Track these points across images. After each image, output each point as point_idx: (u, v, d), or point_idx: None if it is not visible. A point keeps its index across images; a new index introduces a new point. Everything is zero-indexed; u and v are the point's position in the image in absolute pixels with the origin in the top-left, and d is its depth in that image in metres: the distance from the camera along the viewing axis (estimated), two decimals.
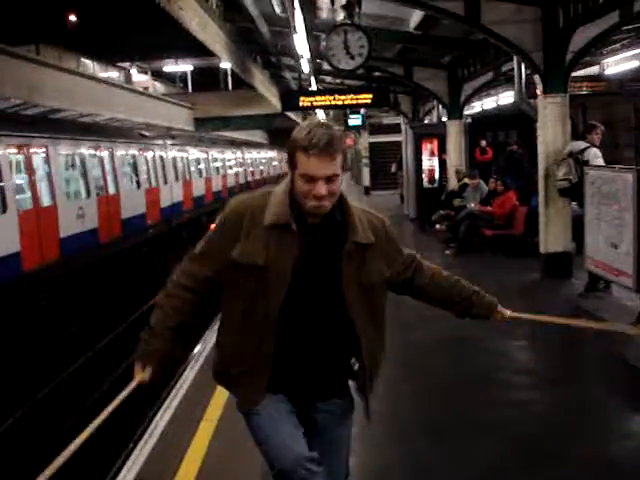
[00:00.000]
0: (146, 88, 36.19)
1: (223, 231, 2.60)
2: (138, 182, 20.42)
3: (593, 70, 15.61)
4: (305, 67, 17.77)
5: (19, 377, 10.11)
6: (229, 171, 35.56)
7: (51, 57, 26.31)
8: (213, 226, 2.71)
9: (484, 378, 6.01)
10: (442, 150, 17.06)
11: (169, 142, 24.94)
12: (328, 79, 22.83)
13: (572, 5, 8.66)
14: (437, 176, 17.72)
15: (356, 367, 2.73)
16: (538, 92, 9.54)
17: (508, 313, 3.21)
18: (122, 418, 7.59)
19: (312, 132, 2.44)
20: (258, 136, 51.79)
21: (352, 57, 10.66)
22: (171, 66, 45.54)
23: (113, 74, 38.59)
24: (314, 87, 20.68)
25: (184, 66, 45.11)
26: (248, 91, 29.75)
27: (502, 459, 4.47)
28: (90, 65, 36.13)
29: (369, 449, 4.69)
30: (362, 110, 26.08)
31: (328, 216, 2.54)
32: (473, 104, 19.37)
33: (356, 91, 16.26)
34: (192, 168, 27.51)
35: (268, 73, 29.24)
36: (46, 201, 13.81)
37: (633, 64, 15.70)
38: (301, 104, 15.88)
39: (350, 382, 2.79)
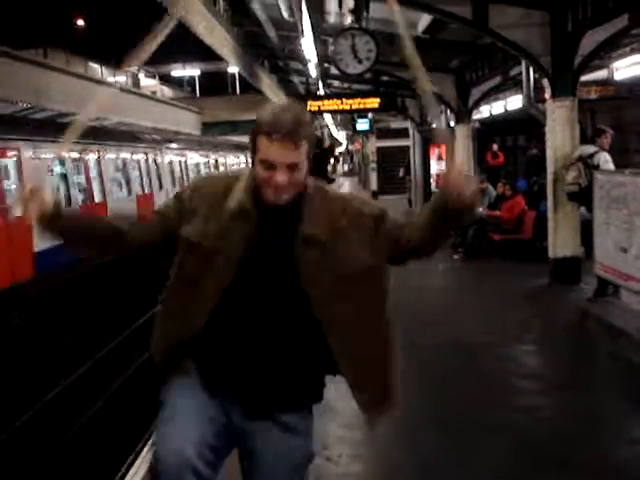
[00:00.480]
0: (154, 92, 36.26)
1: (180, 203, 2.40)
2: (129, 188, 19.50)
3: (602, 74, 15.52)
4: (313, 71, 17.81)
5: None
6: None
7: (59, 61, 26.47)
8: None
9: (492, 382, 5.97)
10: None
11: (166, 146, 24.18)
12: (336, 83, 22.84)
13: (581, 9, 8.63)
14: None
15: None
16: (546, 96, 9.50)
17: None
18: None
19: (277, 116, 2.23)
20: None
21: (360, 61, 10.64)
22: (179, 70, 45.66)
23: (121, 78, 38.72)
24: (322, 91, 20.71)
25: (192, 70, 45.25)
26: (256, 95, 29.81)
27: (510, 463, 4.43)
28: (98, 69, 36.26)
29: (376, 451, 4.67)
30: (370, 114, 26.06)
31: (286, 203, 2.31)
32: (481, 108, 19.30)
33: (364, 95, 16.29)
34: (191, 173, 26.82)
35: (276, 77, 29.29)
36: (16, 212, 12.72)
37: None
38: (308, 108, 15.88)
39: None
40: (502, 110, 19.43)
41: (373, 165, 32.18)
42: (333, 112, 21.28)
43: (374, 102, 15.51)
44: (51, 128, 15.48)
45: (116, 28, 36.88)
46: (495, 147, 18.83)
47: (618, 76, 15.63)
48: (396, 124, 30.62)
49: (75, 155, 15.75)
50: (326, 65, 17.49)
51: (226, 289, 2.29)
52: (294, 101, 2.49)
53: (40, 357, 10.50)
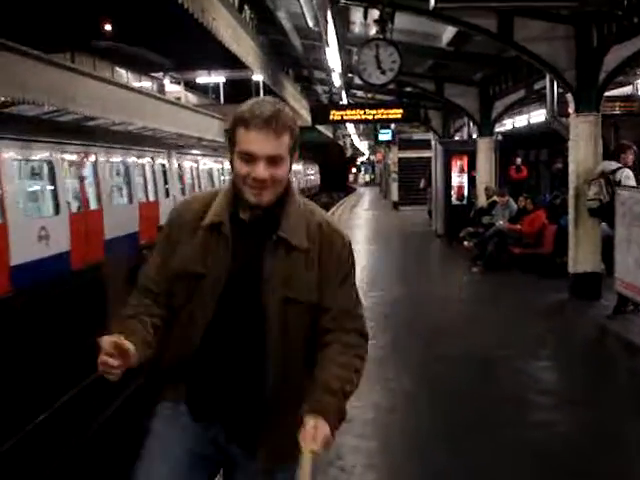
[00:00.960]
0: (178, 98, 36.51)
1: (167, 238, 2.28)
2: (130, 195, 17.99)
3: (626, 90, 15.44)
4: (336, 81, 17.83)
5: None
6: None
7: (86, 65, 26.72)
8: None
9: (508, 397, 5.94)
10: (472, 167, 17.01)
11: (176, 150, 22.79)
12: (359, 93, 22.88)
13: (606, 24, 8.60)
14: (466, 193, 17.64)
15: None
16: (570, 111, 9.46)
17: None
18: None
19: (255, 104, 2.11)
20: None
21: (383, 72, 10.65)
22: (204, 77, 45.91)
23: (146, 84, 39.03)
24: (345, 101, 20.74)
25: (216, 77, 45.47)
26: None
27: (524, 479, 4.41)
28: (124, 74, 36.58)
29: (390, 462, 4.67)
30: (392, 125, 26.07)
31: (264, 212, 2.16)
32: (504, 121, 19.26)
33: (387, 106, 16.30)
34: (203, 179, 25.58)
35: (299, 86, 29.37)
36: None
37: None
38: (331, 118, 15.96)
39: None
40: (525, 123, 19.40)
41: (394, 176, 32.17)
42: (356, 122, 21.29)
43: (397, 113, 15.52)
44: (41, 126, 14.80)
45: (143, 33, 37.19)
46: (518, 161, 18.78)
47: None
48: (418, 135, 30.62)
49: (66, 156, 14.64)
50: (350, 75, 17.53)
51: (212, 312, 2.16)
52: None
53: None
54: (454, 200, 17.73)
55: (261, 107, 2.08)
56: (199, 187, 24.55)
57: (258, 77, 32.84)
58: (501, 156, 16.49)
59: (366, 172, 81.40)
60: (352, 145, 60.82)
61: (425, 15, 9.59)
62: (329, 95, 25.73)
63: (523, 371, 6.62)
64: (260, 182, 2.07)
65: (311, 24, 14.88)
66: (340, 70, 15.42)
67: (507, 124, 20.47)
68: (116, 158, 17.26)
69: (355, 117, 16.15)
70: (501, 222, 13.08)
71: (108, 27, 40.67)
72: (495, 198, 14.19)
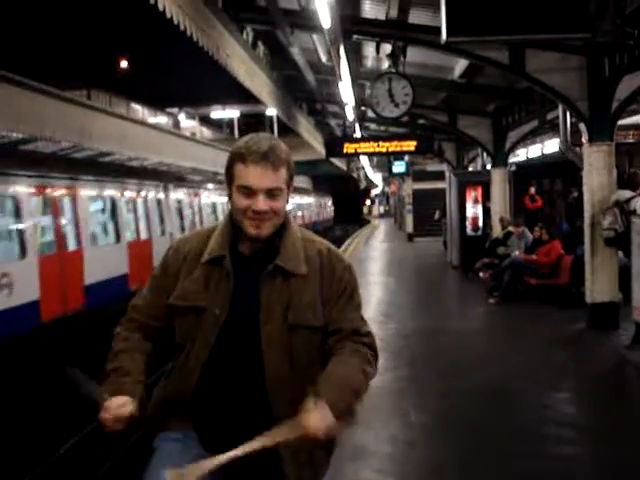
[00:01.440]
0: (193, 133, 36.87)
1: (164, 272, 2.32)
2: (118, 233, 16.31)
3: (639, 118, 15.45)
4: (350, 114, 17.98)
5: None
6: None
7: (102, 101, 27.07)
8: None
9: (526, 429, 5.87)
10: (486, 198, 17.01)
11: (174, 183, 21.18)
12: (372, 126, 23.05)
13: (618, 54, 8.65)
14: (481, 224, 17.62)
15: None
16: (584, 140, 9.48)
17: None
18: None
19: (251, 140, 2.16)
20: (303, 182, 52.25)
21: (396, 105, 10.75)
22: (218, 112, 46.38)
23: (162, 119, 39.47)
24: (358, 134, 20.87)
25: (231, 112, 45.92)
26: (293, 137, 30.15)
27: None
28: (140, 110, 37.02)
29: None
30: (406, 157, 26.16)
31: (265, 244, 2.22)
32: (518, 151, 19.30)
33: (400, 138, 16.35)
34: (205, 214, 23.95)
35: (313, 120, 29.60)
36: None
37: None
38: (345, 151, 16.02)
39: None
40: (539, 153, 19.43)
41: (409, 207, 32.21)
42: (369, 154, 21.40)
43: (410, 145, 15.57)
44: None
45: (158, 70, 37.74)
46: (532, 190, 18.77)
47: None
48: (432, 166, 30.70)
49: (40, 191, 13.18)
50: (363, 108, 17.67)
51: (214, 345, 2.19)
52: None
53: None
54: (469, 231, 17.70)
55: (258, 143, 2.14)
56: (201, 223, 23.01)
57: (272, 111, 33.17)
58: (515, 186, 16.50)
59: (380, 204, 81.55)
60: (366, 177, 61.00)
61: (437, 49, 9.68)
62: (343, 128, 25.83)
63: (542, 403, 6.56)
64: (260, 215, 2.12)
65: (324, 59, 15.06)
66: (353, 104, 15.57)
67: (521, 154, 20.51)
68: (101, 192, 15.78)
69: (369, 150, 16.22)
70: (517, 253, 13.03)
71: (124, 63, 41.34)
72: (510, 228, 14.17)
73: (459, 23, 7.04)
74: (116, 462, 7.53)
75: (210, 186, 25.62)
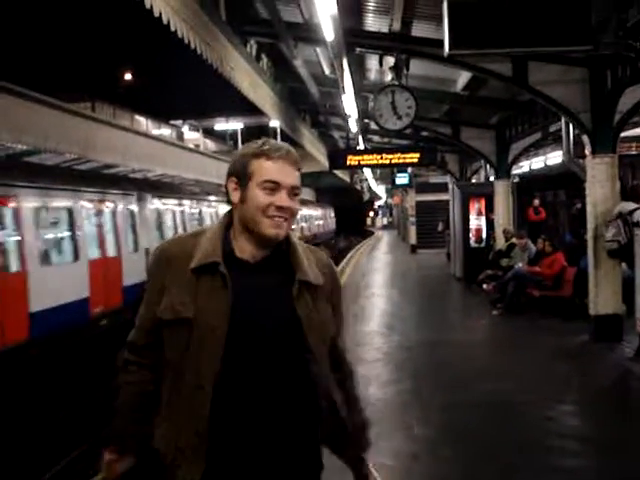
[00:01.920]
0: (197, 145, 36.98)
1: (150, 285, 2.14)
2: (76, 250, 13.91)
3: None
4: (353, 126, 18.02)
5: None
6: None
7: (106, 113, 27.16)
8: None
9: (530, 442, 5.85)
10: (489, 209, 17.02)
11: (150, 192, 18.56)
12: (375, 138, 23.09)
13: (620, 66, 8.68)
14: (484, 235, 17.62)
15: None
16: (586, 152, 9.49)
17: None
18: None
19: (267, 142, 2.10)
20: (307, 194, 52.27)
21: (399, 117, 10.78)
22: (222, 124, 46.54)
23: (166, 131, 39.60)
24: (361, 146, 20.91)
25: (234, 124, 46.07)
26: (296, 149, 30.09)
27: None
28: (144, 122, 37.17)
29: None
30: (409, 169, 26.21)
31: (272, 252, 2.10)
32: (521, 163, 19.32)
33: (403, 150, 16.38)
34: (190, 228, 20.64)
35: (316, 132, 29.68)
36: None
37: None
38: (348, 163, 16.04)
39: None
40: (542, 165, 19.43)
41: (412, 219, 32.23)
42: (373, 166, 21.42)
43: (414, 157, 15.58)
44: None
45: (162, 82, 37.91)
46: (537, 202, 18.79)
47: None
48: (435, 178, 30.76)
49: None
50: (366, 120, 17.70)
51: (223, 364, 1.99)
52: None
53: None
54: (472, 243, 17.71)
55: (275, 144, 2.10)
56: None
57: (275, 123, 33.27)
58: (519, 198, 16.51)
59: (384, 215, 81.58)
60: (369, 189, 61.06)
61: (440, 61, 9.72)
62: (346, 140, 25.94)
63: (545, 416, 6.54)
64: (283, 211, 2.04)
65: (327, 72, 15.11)
66: (356, 116, 15.60)
67: (524, 166, 20.52)
68: (52, 202, 13.45)
69: (372, 162, 16.22)
70: (520, 264, 13.03)
71: (128, 76, 41.56)
72: (513, 240, 14.17)
73: (462, 36, 7.06)
74: None
75: (197, 195, 23.74)
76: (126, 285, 15.11)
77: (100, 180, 16.89)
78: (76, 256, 13.85)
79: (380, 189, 58.82)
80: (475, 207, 17.77)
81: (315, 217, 56.60)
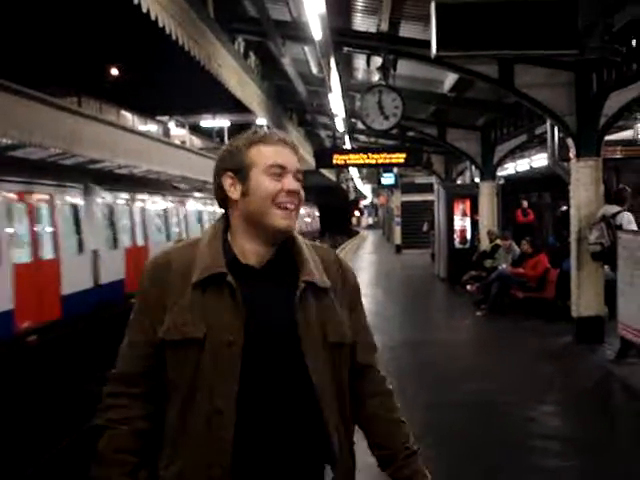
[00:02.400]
0: (183, 142, 36.86)
1: (143, 305, 1.91)
2: None
3: (627, 134, 15.59)
4: (340, 126, 18.03)
5: None
6: None
7: (92, 108, 26.99)
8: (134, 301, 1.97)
9: (512, 442, 5.90)
10: (474, 211, 17.10)
11: (104, 184, 16.69)
12: (362, 138, 23.11)
13: (606, 70, 8.74)
14: (469, 236, 17.70)
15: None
16: (571, 155, 9.56)
17: None
18: None
19: (258, 130, 1.97)
20: None
21: (386, 117, 10.80)
22: (209, 121, 46.41)
23: (152, 127, 39.42)
24: (348, 145, 20.93)
25: (221, 121, 45.95)
26: None
27: None
28: (130, 117, 36.99)
29: None
30: (395, 169, 26.27)
31: (276, 255, 1.93)
32: (506, 165, 19.42)
33: (389, 150, 16.41)
34: (152, 228, 19.56)
35: (303, 130, 29.67)
36: None
37: None
38: (335, 162, 16.05)
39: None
40: (527, 167, 19.55)
41: (397, 219, 32.31)
42: (359, 166, 21.44)
43: (400, 157, 15.62)
44: None
45: (149, 78, 37.76)
46: (525, 204, 18.89)
47: None
48: (421, 179, 30.85)
49: None
50: (353, 120, 17.72)
51: (241, 383, 1.79)
52: None
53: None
54: (457, 244, 17.79)
55: (267, 131, 1.97)
56: (145, 237, 18.46)
57: (262, 121, 33.24)
58: (503, 199, 16.60)
59: (369, 215, 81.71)
60: (355, 188, 61.14)
61: (427, 62, 9.74)
62: (332, 139, 25.93)
63: (527, 416, 6.58)
64: (293, 195, 1.90)
65: (315, 70, 15.10)
66: (343, 115, 15.60)
67: (509, 168, 20.63)
68: None
69: (358, 161, 16.24)
70: (504, 266, 13.10)
71: (114, 71, 41.37)
72: (498, 242, 14.24)
73: (449, 37, 7.09)
74: None
75: (164, 188, 21.34)
76: (66, 294, 13.37)
77: (33, 169, 14.43)
78: None
79: (366, 188, 58.94)
80: (460, 208, 17.86)
81: (301, 216, 56.51)
